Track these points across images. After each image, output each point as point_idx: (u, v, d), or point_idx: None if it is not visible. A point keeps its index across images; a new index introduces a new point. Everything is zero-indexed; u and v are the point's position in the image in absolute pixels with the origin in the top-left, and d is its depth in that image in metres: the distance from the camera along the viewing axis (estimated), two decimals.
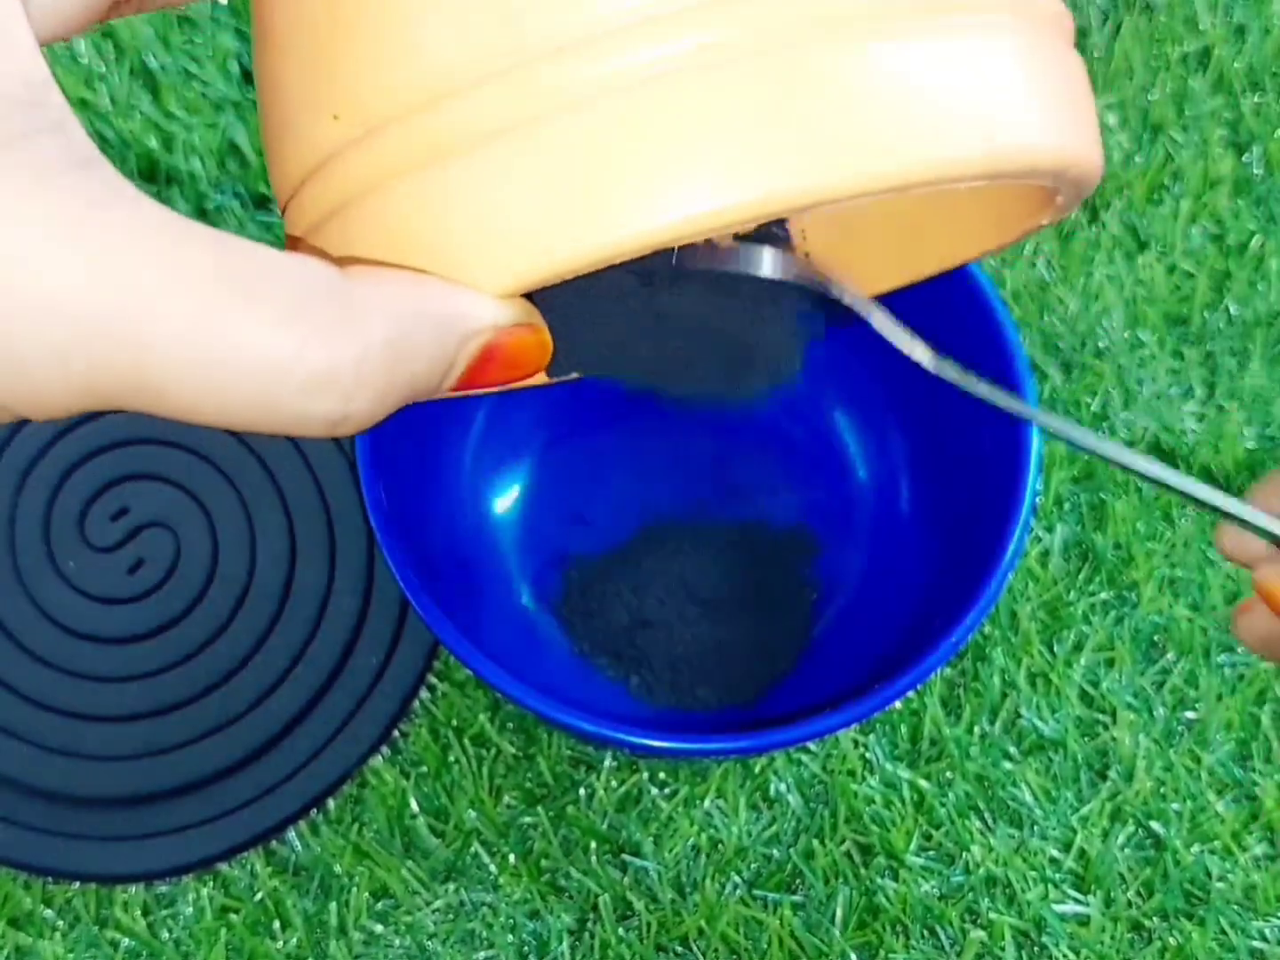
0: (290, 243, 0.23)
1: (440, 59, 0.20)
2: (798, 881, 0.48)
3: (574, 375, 0.29)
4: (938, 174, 0.20)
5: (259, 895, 0.47)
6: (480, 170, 0.20)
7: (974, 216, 0.30)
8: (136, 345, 0.18)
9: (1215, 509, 0.27)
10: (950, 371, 0.29)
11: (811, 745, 0.49)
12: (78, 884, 0.47)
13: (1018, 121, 0.21)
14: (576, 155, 0.20)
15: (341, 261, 0.21)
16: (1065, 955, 0.46)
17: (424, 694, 0.49)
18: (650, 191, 0.20)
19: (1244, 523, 0.27)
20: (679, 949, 0.47)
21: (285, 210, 0.23)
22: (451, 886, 0.47)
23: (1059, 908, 0.47)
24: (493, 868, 0.47)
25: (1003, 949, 0.46)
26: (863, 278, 0.32)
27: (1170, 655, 0.50)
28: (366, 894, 0.47)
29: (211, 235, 0.18)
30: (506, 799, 0.48)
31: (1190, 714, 0.49)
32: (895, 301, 0.34)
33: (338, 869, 0.47)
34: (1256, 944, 0.47)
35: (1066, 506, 0.52)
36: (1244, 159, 0.57)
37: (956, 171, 0.20)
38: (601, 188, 0.20)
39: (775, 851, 0.48)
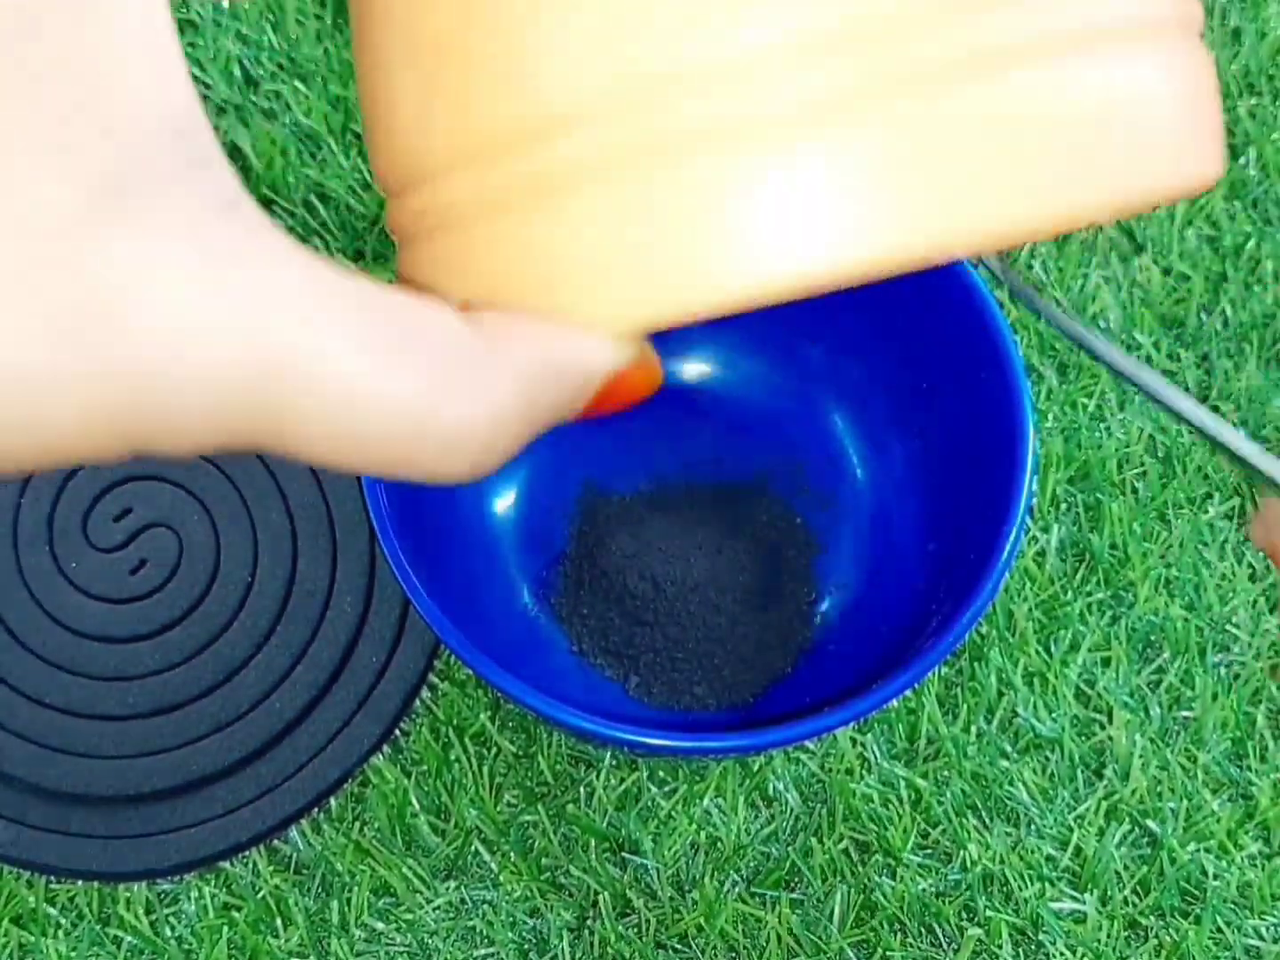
0: (401, 266, 0.23)
1: (561, 87, 0.19)
2: (796, 879, 0.48)
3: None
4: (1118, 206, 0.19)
5: (261, 893, 0.47)
6: (598, 208, 0.19)
7: None
8: (280, 397, 0.18)
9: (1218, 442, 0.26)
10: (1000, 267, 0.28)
11: (809, 744, 0.49)
12: (80, 882, 0.47)
13: (1196, 146, 0.20)
14: (701, 196, 0.19)
15: (464, 306, 0.20)
16: (1062, 953, 0.47)
17: (425, 693, 0.49)
18: (781, 241, 0.19)
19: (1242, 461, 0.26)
20: (678, 946, 0.47)
21: (387, 200, 0.22)
22: (452, 884, 0.47)
23: (1055, 905, 0.47)
24: (493, 865, 0.48)
25: (1000, 946, 0.47)
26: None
27: (1166, 655, 0.50)
28: (368, 892, 0.47)
29: (356, 286, 0.19)
30: (507, 797, 0.48)
31: (1186, 713, 0.50)
32: (893, 304, 0.34)
33: (339, 867, 0.47)
34: (1252, 941, 0.47)
35: (1063, 507, 0.52)
36: (1240, 162, 0.57)
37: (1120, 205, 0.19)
38: (728, 234, 0.19)
39: (774, 849, 0.48)
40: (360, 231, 0.55)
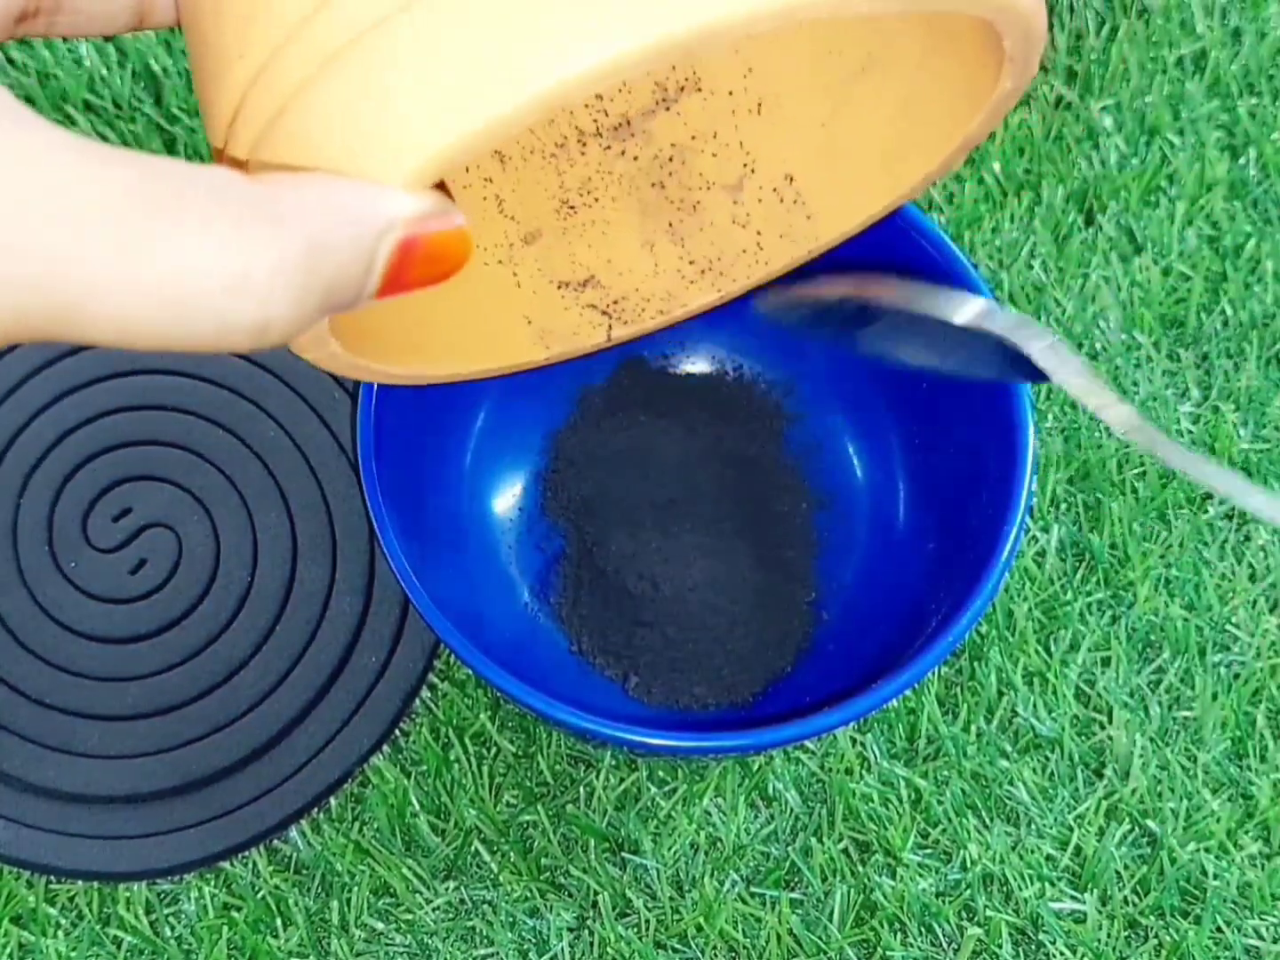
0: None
1: None
2: (796, 879, 0.48)
3: None
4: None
5: (261, 893, 0.47)
6: (367, 63, 0.20)
7: (936, 103, 0.30)
8: (59, 265, 0.18)
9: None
10: (1147, 434, 0.28)
11: (809, 744, 0.49)
12: (80, 882, 0.47)
13: None
14: (457, 26, 0.19)
15: (248, 168, 0.21)
16: (1062, 952, 0.47)
17: (425, 693, 0.49)
18: (537, 46, 0.19)
19: None
20: (678, 946, 0.47)
21: (219, 160, 0.23)
22: (452, 884, 0.47)
23: (1055, 905, 0.47)
24: (493, 865, 0.48)
25: (1000, 946, 0.47)
26: (853, 201, 0.33)
27: (1166, 654, 0.50)
28: (368, 892, 0.47)
29: (125, 154, 0.19)
30: (506, 797, 0.48)
31: (1186, 713, 0.50)
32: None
33: (339, 867, 0.47)
34: (1252, 941, 0.47)
35: (1063, 507, 0.52)
36: (1240, 162, 0.57)
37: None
38: (486, 53, 0.19)
39: (773, 849, 0.48)
40: None
